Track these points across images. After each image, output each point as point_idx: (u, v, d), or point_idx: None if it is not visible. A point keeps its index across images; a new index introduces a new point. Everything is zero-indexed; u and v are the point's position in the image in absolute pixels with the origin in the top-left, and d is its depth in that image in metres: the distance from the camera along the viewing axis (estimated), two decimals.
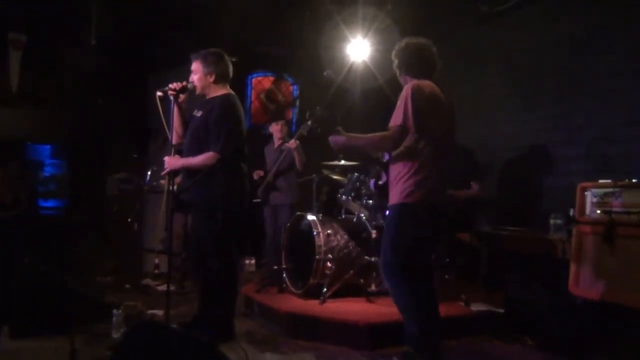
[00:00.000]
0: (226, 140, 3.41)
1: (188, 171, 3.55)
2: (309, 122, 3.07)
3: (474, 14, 5.50)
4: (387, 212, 3.07)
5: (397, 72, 3.24)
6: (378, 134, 3.05)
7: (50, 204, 6.19)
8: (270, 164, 5.48)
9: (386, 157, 3.23)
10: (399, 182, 2.99)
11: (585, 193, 3.53)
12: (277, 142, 5.57)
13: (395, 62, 3.21)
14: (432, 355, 2.94)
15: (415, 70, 3.13)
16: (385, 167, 3.20)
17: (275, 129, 5.60)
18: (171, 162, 3.50)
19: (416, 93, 2.93)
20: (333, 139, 3.11)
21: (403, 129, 2.93)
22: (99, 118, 6.44)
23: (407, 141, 2.98)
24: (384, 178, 3.27)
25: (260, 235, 5.65)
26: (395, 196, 3.01)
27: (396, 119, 2.95)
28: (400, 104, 2.95)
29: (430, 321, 2.97)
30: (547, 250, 3.90)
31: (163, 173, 3.53)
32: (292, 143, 5.11)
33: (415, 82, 3.02)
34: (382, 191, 3.29)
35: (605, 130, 4.39)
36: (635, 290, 3.13)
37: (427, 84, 3.03)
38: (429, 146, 2.97)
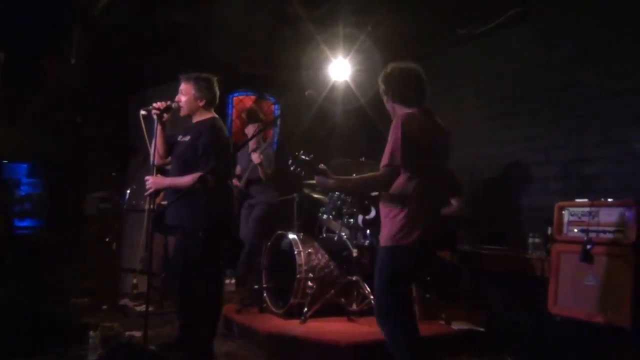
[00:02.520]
0: (216, 165, 3.40)
1: (172, 191, 3.52)
2: (292, 167, 2.96)
3: (453, 37, 5.61)
4: (379, 253, 2.90)
5: (384, 99, 3.01)
6: (368, 175, 2.90)
7: (26, 223, 6.06)
8: (241, 169, 5.55)
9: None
10: (390, 221, 2.81)
11: (563, 212, 3.59)
12: (251, 146, 5.53)
13: (382, 88, 2.99)
14: None
15: (403, 98, 2.91)
16: (374, 201, 3.06)
17: (250, 130, 5.57)
18: (156, 181, 3.45)
19: (406, 129, 2.71)
20: (320, 181, 2.90)
21: (394, 169, 2.73)
22: (78, 136, 6.37)
23: (398, 179, 2.79)
24: (372, 213, 3.13)
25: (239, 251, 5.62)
26: (386, 237, 2.81)
27: (387, 159, 2.75)
28: (389, 141, 2.76)
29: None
30: (526, 268, 3.94)
31: (147, 194, 3.48)
32: (256, 158, 5.17)
33: (404, 114, 2.81)
34: (371, 226, 3.14)
35: (582, 150, 4.48)
36: (612, 308, 3.17)
37: (417, 116, 2.82)
38: (421, 184, 2.77)
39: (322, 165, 2.86)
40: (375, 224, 2.97)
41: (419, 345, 2.80)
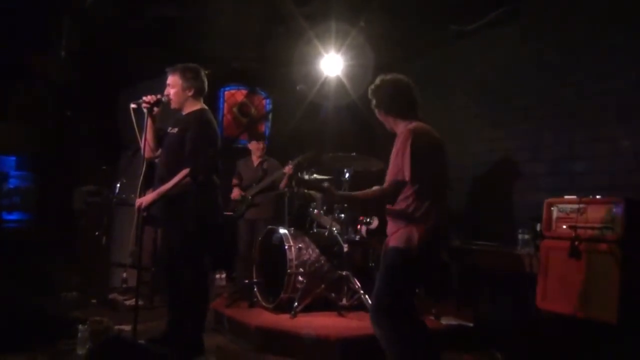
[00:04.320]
0: (202, 157, 3.38)
1: (161, 184, 3.51)
2: (295, 189, 3.07)
3: (445, 33, 5.61)
4: (386, 254, 2.87)
5: (377, 112, 3.03)
6: (374, 190, 2.90)
7: (14, 216, 6.02)
8: (248, 180, 5.54)
9: None
10: (400, 226, 2.81)
11: (552, 209, 3.62)
12: (256, 159, 5.63)
13: (373, 102, 3.01)
14: None
15: (397, 110, 2.94)
16: (377, 211, 3.09)
17: (255, 147, 5.64)
18: (145, 200, 3.42)
19: (417, 144, 2.72)
20: (327, 198, 3.02)
21: (401, 183, 2.75)
22: (67, 130, 6.32)
23: (406, 192, 2.80)
24: (374, 223, 3.15)
25: (232, 249, 5.62)
26: (396, 240, 2.80)
27: (395, 174, 2.77)
28: (398, 154, 2.78)
29: None
30: (515, 264, 3.96)
31: (137, 206, 3.43)
32: (289, 169, 5.11)
33: (414, 128, 2.80)
34: (374, 235, 3.14)
35: (571, 148, 4.51)
36: (600, 304, 3.20)
37: (425, 129, 2.85)
38: (428, 192, 2.77)
39: (325, 184, 2.92)
40: (377, 233, 2.99)
41: (421, 353, 2.76)
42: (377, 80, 3.01)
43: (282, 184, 5.23)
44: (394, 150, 2.84)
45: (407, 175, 2.71)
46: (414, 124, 2.84)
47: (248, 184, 5.50)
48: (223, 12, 5.28)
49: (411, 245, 2.73)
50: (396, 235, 2.81)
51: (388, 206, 2.89)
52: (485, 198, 5.28)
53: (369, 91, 3.03)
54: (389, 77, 3.00)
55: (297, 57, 6.01)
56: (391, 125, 2.99)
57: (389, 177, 2.81)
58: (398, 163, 2.76)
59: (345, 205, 3.11)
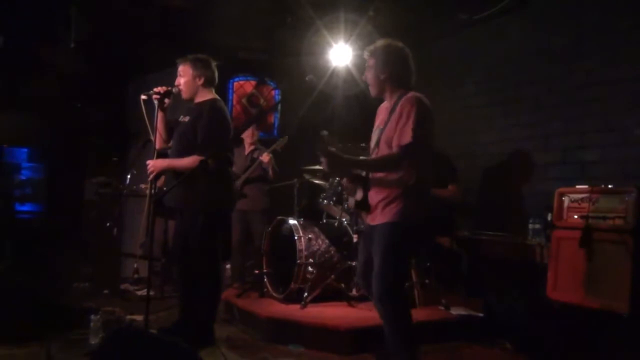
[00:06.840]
0: (213, 145, 3.39)
1: (173, 174, 3.53)
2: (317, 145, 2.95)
3: (454, 22, 5.57)
4: (381, 230, 2.81)
5: (373, 73, 2.93)
6: (383, 155, 2.83)
7: (26, 208, 6.08)
8: (238, 168, 5.37)
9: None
10: (394, 199, 2.76)
11: (563, 198, 3.60)
12: (247, 147, 5.53)
13: (376, 62, 2.90)
14: None
15: (404, 81, 2.89)
16: (364, 182, 2.95)
17: (246, 134, 5.55)
18: (156, 164, 3.47)
19: (421, 107, 2.71)
20: (331, 162, 2.80)
21: (412, 147, 2.67)
22: (78, 121, 6.35)
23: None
24: (358, 194, 3.03)
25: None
26: (390, 215, 2.75)
27: (404, 137, 2.69)
28: (404, 120, 2.70)
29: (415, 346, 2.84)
30: (526, 254, 3.95)
31: (150, 178, 3.47)
32: (265, 157, 5.08)
33: (414, 94, 2.79)
34: (362, 206, 3.03)
35: (582, 137, 4.47)
36: (611, 294, 3.19)
37: (422, 95, 2.82)
38: (423, 161, 2.78)
39: (333, 150, 2.81)
40: (365, 204, 2.92)
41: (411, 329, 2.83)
42: (385, 43, 2.90)
43: (264, 157, 5.08)
44: (393, 117, 2.78)
45: (418, 138, 2.65)
46: (416, 94, 2.81)
47: (237, 173, 5.24)
48: (231, 3, 5.26)
49: (407, 219, 2.73)
50: (388, 209, 2.77)
51: (379, 175, 2.85)
52: (495, 187, 5.25)
53: (372, 50, 2.91)
54: (395, 42, 2.90)
55: (305, 47, 5.98)
56: (383, 90, 2.94)
57: (399, 142, 2.72)
58: (409, 128, 2.67)
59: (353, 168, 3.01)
